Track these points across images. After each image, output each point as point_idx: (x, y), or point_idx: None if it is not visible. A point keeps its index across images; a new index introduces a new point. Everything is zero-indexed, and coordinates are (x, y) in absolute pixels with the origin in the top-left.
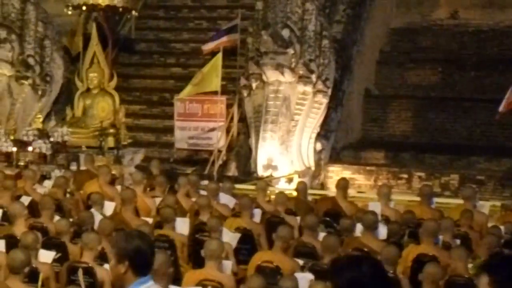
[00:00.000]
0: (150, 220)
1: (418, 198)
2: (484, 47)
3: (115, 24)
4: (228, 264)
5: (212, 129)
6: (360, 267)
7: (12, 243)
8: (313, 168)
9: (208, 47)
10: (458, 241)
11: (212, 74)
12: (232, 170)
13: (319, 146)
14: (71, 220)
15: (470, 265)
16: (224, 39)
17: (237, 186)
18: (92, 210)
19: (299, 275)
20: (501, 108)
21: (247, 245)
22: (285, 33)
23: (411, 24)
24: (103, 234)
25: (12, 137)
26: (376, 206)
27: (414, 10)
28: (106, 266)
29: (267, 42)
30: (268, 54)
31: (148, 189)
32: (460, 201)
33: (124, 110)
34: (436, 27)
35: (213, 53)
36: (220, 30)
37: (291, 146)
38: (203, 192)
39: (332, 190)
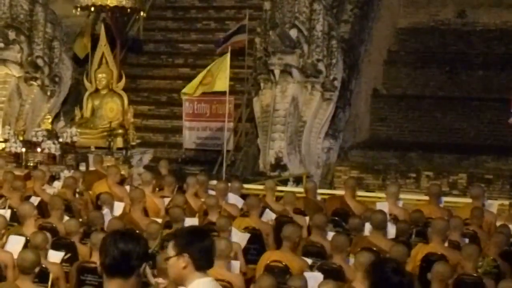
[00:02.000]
0: (159, 220)
1: (426, 197)
2: (492, 46)
3: (123, 25)
4: (237, 264)
5: (220, 129)
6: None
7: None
8: (321, 168)
9: (220, 51)
10: (466, 240)
11: (221, 74)
12: (241, 170)
13: (327, 145)
14: (80, 220)
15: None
16: (233, 40)
17: (246, 186)
18: (104, 211)
19: (308, 274)
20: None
21: (255, 245)
22: (293, 33)
23: (419, 23)
24: None
25: (21, 138)
26: (383, 206)
27: (421, 9)
28: None
29: (275, 42)
30: (276, 54)
31: (157, 189)
32: (468, 200)
33: (132, 110)
34: (444, 26)
35: (220, 53)
36: (230, 32)
37: (300, 146)
38: (211, 192)
39: (340, 190)
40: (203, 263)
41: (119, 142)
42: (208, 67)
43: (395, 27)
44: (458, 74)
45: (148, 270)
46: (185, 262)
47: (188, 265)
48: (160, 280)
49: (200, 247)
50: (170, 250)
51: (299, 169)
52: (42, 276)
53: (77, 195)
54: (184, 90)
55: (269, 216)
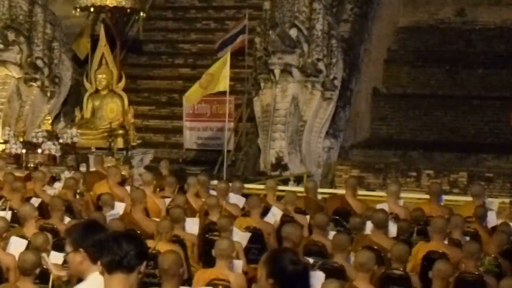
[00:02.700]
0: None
1: (427, 196)
2: (492, 44)
3: (123, 25)
4: (239, 264)
5: (221, 129)
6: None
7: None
8: (322, 167)
9: (222, 54)
10: (467, 238)
11: (221, 75)
12: (241, 170)
13: (327, 145)
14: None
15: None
16: (236, 42)
17: (247, 185)
18: (109, 212)
19: (310, 274)
20: None
21: (257, 244)
22: (293, 32)
23: (419, 22)
24: None
25: (21, 139)
26: (383, 207)
27: (421, 8)
28: None
29: (275, 41)
30: (276, 53)
31: (157, 189)
32: (469, 199)
33: (133, 111)
34: (444, 25)
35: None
36: (231, 35)
37: (300, 145)
38: (212, 192)
39: (341, 189)
40: (99, 256)
41: (119, 142)
42: (208, 70)
43: (395, 26)
44: (458, 73)
45: (49, 262)
46: (81, 257)
47: (84, 260)
48: (62, 273)
49: (94, 241)
50: (67, 247)
51: (299, 168)
52: (43, 277)
53: (77, 196)
54: (185, 98)
55: (275, 214)
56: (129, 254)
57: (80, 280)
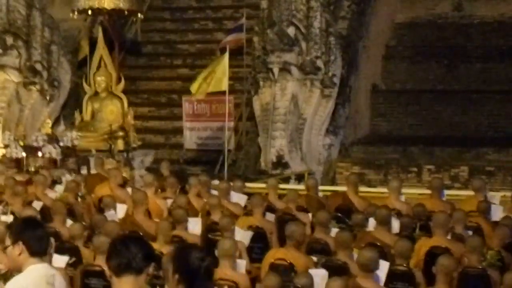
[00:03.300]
0: None
1: (428, 191)
2: (490, 38)
3: (121, 27)
4: (242, 263)
5: (221, 129)
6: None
7: None
8: (323, 165)
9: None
10: (470, 233)
11: (220, 74)
12: (242, 169)
13: (328, 142)
14: (83, 224)
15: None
16: (230, 38)
17: (248, 185)
18: (109, 212)
19: (313, 272)
20: None
21: (259, 243)
22: (291, 31)
23: (416, 18)
24: (110, 237)
25: (21, 143)
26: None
27: (418, 4)
28: None
29: (273, 40)
30: (275, 52)
31: (159, 190)
32: (470, 193)
33: (132, 112)
34: (441, 20)
35: (221, 50)
36: (229, 31)
37: (301, 143)
38: (214, 192)
39: (342, 186)
40: (37, 249)
41: (120, 144)
42: (210, 67)
43: (392, 22)
44: (456, 67)
45: None
46: (19, 250)
47: (22, 252)
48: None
49: (33, 235)
50: (7, 240)
51: (300, 166)
52: None
53: (79, 199)
54: (192, 89)
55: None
56: (137, 257)
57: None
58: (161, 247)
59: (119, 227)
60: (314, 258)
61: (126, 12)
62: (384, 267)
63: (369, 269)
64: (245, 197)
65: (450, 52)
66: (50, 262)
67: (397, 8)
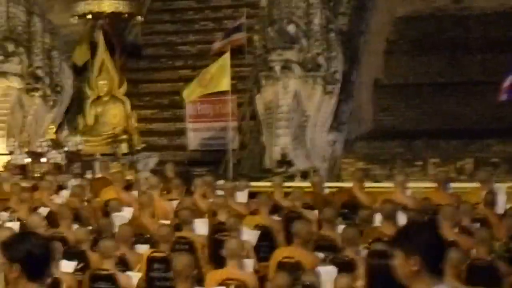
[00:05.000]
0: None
1: (434, 185)
2: (489, 30)
3: (122, 30)
4: (250, 263)
5: (224, 129)
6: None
7: None
8: (327, 161)
9: (215, 47)
10: (477, 225)
11: (221, 74)
12: (247, 168)
13: (332, 138)
14: (90, 228)
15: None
16: (231, 38)
17: (253, 184)
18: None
19: (321, 269)
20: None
21: (266, 242)
22: (291, 28)
23: (416, 11)
24: (122, 240)
25: (26, 149)
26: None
27: None
28: (128, 272)
29: (273, 38)
30: (276, 50)
31: (164, 192)
32: (476, 185)
33: (135, 115)
34: (441, 13)
35: (220, 53)
36: (227, 31)
37: (305, 140)
38: (219, 192)
39: (348, 182)
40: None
41: (124, 147)
42: (206, 69)
43: (392, 16)
44: (457, 60)
45: None
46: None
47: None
48: None
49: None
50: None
51: (305, 164)
52: (55, 286)
53: (85, 203)
54: (184, 95)
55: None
56: None
57: None
58: (165, 250)
59: (131, 230)
60: (321, 255)
61: (125, 15)
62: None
63: None
64: (246, 194)
65: (451, 45)
66: (57, 267)
67: (397, 2)
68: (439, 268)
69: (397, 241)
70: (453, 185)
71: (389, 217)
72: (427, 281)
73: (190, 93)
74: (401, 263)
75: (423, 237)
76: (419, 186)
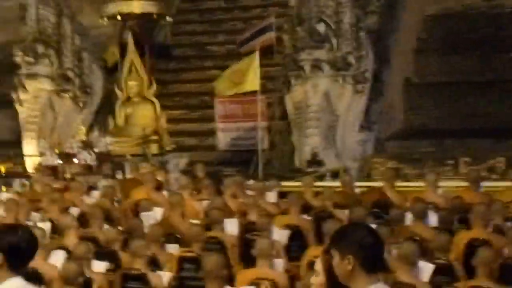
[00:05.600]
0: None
1: (465, 184)
2: None
3: (151, 31)
4: (280, 263)
5: (254, 129)
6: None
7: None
8: (358, 161)
9: (245, 49)
10: (509, 224)
11: (251, 74)
12: (277, 168)
13: (362, 138)
14: (120, 228)
15: None
16: (260, 39)
17: (283, 183)
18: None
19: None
20: None
21: (297, 242)
22: (321, 27)
23: (447, 9)
24: (153, 240)
25: (56, 151)
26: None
27: None
28: (159, 272)
29: (303, 38)
30: (305, 50)
31: (194, 192)
32: (508, 184)
33: (165, 116)
34: (472, 10)
35: (246, 53)
36: (255, 31)
37: (335, 140)
38: (249, 192)
39: (378, 181)
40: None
41: (154, 148)
42: (237, 65)
43: (423, 15)
44: (489, 58)
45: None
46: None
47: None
48: None
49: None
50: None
51: (335, 163)
52: (86, 286)
53: (115, 204)
54: (216, 87)
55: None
56: None
57: None
58: (196, 250)
59: (162, 230)
60: None
61: (154, 16)
62: (428, 269)
63: (409, 262)
64: (275, 194)
65: (482, 43)
66: (89, 267)
67: (427, 0)
68: (377, 267)
69: (333, 241)
70: (484, 184)
71: (420, 216)
72: (363, 280)
73: (223, 88)
74: (337, 263)
75: (357, 236)
76: (450, 185)
